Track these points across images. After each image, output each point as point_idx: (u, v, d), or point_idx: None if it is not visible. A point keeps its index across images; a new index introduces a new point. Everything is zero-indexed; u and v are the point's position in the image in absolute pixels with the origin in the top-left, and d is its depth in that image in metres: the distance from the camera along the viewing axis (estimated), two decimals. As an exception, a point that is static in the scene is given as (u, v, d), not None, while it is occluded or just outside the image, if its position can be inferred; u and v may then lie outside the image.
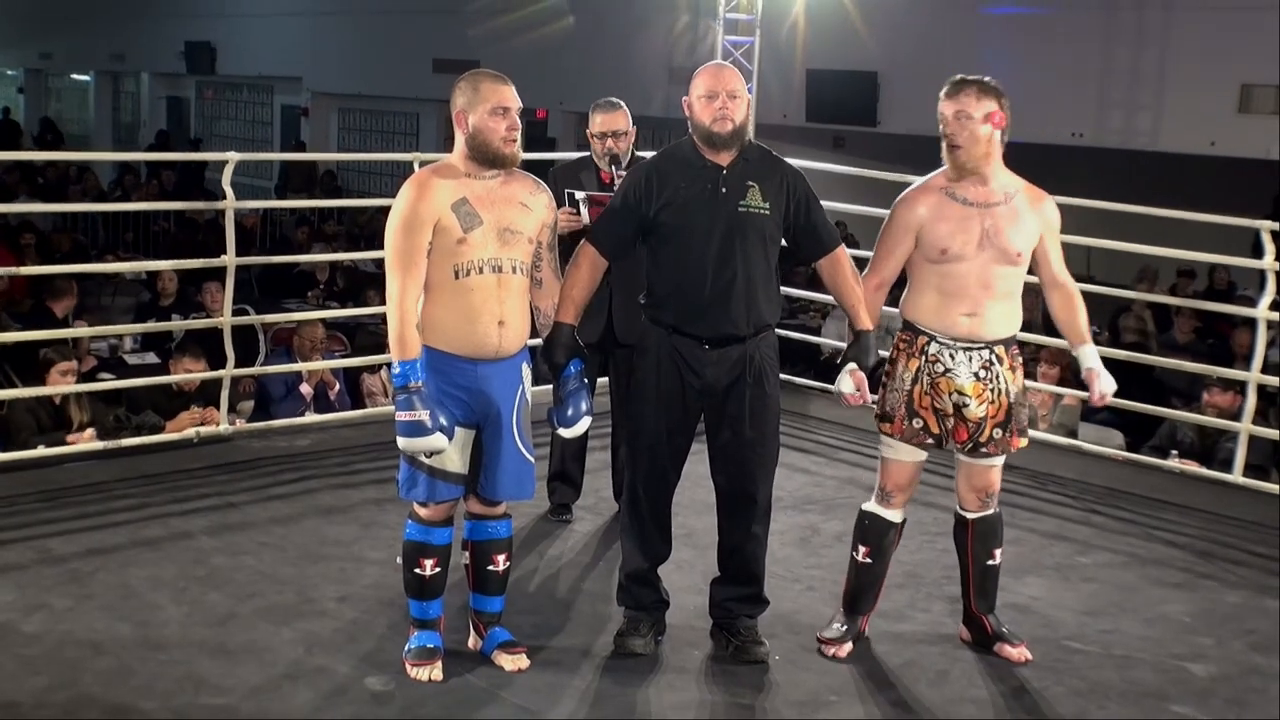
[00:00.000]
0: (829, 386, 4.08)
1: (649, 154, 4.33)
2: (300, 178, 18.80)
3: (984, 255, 3.89)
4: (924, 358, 3.96)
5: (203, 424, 6.11)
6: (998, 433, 3.96)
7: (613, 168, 4.86)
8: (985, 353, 3.94)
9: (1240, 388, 6.24)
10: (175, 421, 6.17)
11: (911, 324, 4.00)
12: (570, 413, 3.83)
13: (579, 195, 4.72)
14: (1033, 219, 3.95)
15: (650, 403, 3.91)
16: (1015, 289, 4.00)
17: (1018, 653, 4.07)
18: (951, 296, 3.92)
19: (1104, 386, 4.03)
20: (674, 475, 3.99)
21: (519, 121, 3.66)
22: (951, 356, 3.93)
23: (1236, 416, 6.11)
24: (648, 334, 3.93)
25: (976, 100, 3.86)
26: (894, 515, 4.09)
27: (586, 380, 3.89)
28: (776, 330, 4.01)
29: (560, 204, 4.48)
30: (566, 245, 4.06)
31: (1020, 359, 4.04)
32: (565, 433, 3.88)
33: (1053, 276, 4.06)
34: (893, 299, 4.26)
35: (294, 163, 19.34)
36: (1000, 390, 3.95)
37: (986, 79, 3.91)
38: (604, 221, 3.96)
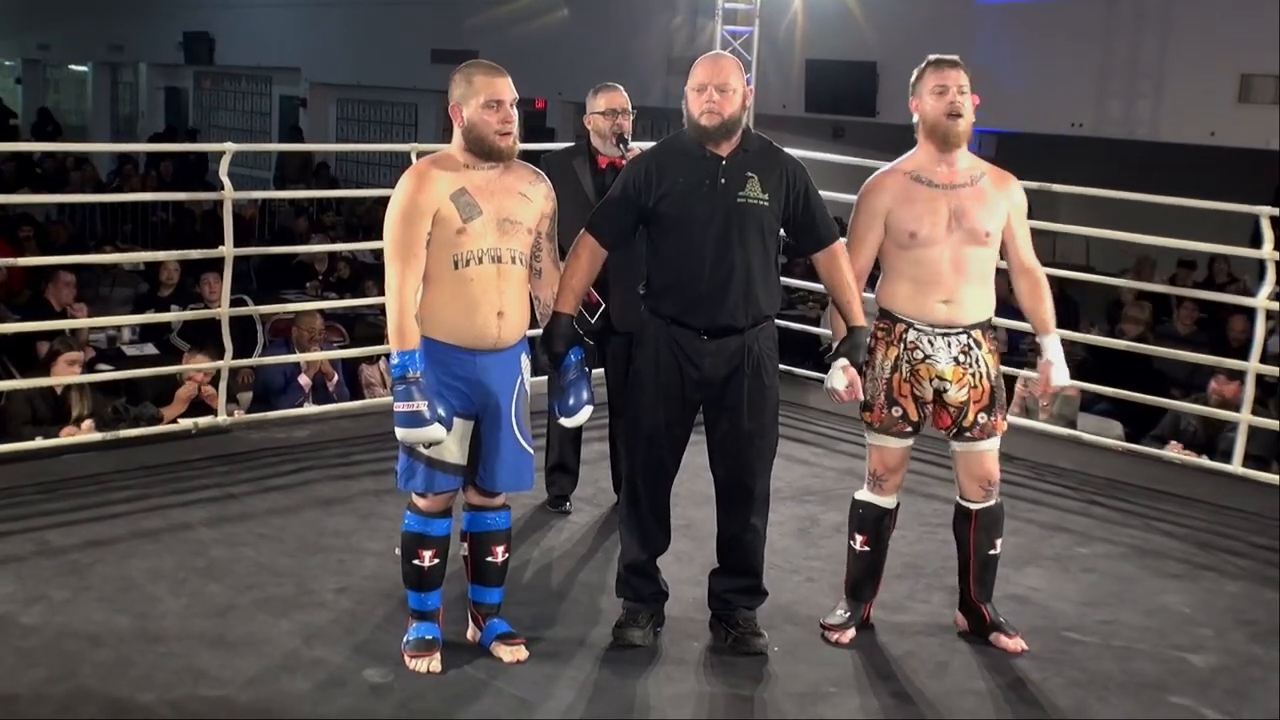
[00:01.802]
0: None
1: (645, 144, 4.31)
2: (295, 169, 18.77)
3: (953, 238, 3.89)
4: (902, 345, 3.96)
5: (199, 394, 6.13)
6: (983, 417, 3.96)
7: (621, 146, 4.81)
8: (964, 337, 3.94)
9: (1242, 377, 6.23)
10: (173, 406, 6.18)
11: (888, 312, 4.00)
12: (572, 402, 3.82)
13: None
14: (1000, 200, 3.96)
15: (649, 394, 3.90)
16: (988, 272, 4.00)
17: (1014, 643, 4.06)
18: (926, 284, 3.92)
19: (1057, 379, 4.05)
20: (672, 466, 3.98)
21: (513, 114, 3.64)
22: (930, 343, 3.94)
23: (1237, 407, 6.09)
24: (646, 325, 3.92)
25: (967, 77, 3.90)
26: (887, 501, 4.09)
27: (587, 369, 3.88)
28: (776, 321, 4.00)
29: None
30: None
31: (998, 341, 4.02)
32: (567, 422, 3.87)
33: (1020, 261, 4.06)
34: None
35: (289, 154, 19.31)
36: (981, 374, 3.95)
37: None
38: (604, 210, 3.94)
